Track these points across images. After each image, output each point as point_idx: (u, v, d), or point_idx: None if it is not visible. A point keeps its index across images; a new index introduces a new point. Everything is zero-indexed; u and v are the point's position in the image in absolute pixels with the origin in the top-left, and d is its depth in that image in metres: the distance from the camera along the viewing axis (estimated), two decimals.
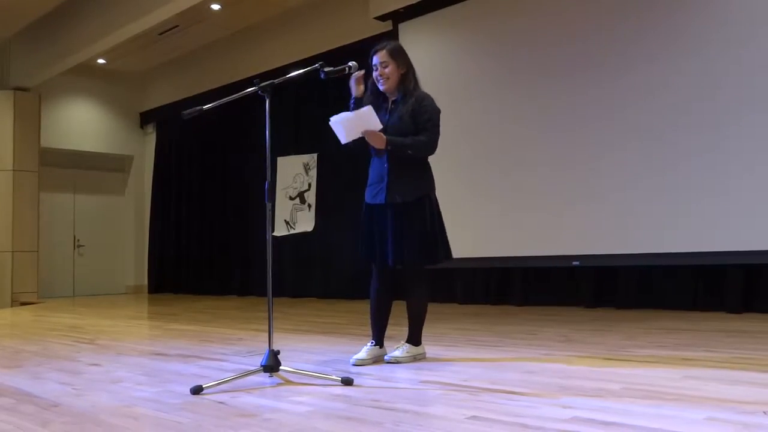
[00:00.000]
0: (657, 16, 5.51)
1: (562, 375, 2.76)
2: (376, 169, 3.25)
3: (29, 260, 9.83)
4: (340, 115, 3.12)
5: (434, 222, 3.22)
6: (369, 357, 3.21)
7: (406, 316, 3.31)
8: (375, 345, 3.27)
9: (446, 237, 3.29)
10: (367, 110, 3.07)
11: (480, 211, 6.50)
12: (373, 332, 3.31)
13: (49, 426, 2.16)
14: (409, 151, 3.17)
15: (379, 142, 3.10)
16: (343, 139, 3.15)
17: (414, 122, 3.18)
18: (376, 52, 3.25)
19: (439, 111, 3.27)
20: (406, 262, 3.17)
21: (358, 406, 2.30)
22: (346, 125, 3.11)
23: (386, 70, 3.21)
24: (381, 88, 3.24)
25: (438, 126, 3.24)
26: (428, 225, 3.18)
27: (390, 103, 3.29)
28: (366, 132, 3.08)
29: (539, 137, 6.14)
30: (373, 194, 3.25)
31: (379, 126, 3.09)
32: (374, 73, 3.24)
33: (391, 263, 3.20)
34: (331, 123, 3.13)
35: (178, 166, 11.17)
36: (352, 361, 3.20)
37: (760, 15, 4.97)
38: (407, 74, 3.25)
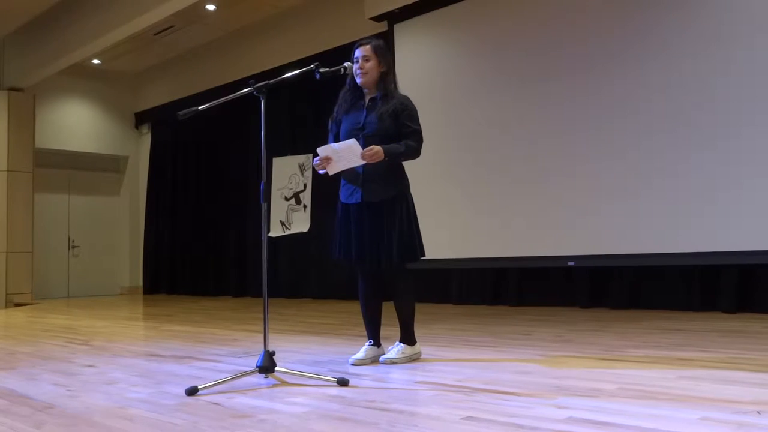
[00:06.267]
0: (656, 16, 5.52)
1: (557, 375, 2.76)
2: (351, 168, 3.25)
3: (23, 261, 9.79)
4: (324, 147, 3.10)
5: (411, 220, 3.22)
6: (367, 357, 3.21)
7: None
8: (372, 345, 3.28)
9: (420, 235, 3.28)
10: (353, 143, 3.05)
11: (475, 211, 6.51)
12: (368, 333, 3.32)
13: (44, 427, 2.16)
14: (402, 159, 3.19)
15: (377, 158, 3.06)
16: (329, 170, 3.14)
17: (395, 123, 3.18)
18: (359, 46, 3.28)
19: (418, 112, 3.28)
20: (385, 263, 3.17)
21: (354, 407, 2.30)
22: (333, 155, 3.09)
23: (367, 65, 3.22)
24: (359, 81, 3.25)
25: (421, 131, 3.24)
26: (405, 223, 3.19)
27: (367, 100, 3.29)
28: (365, 156, 3.04)
29: (535, 139, 6.15)
30: (348, 194, 3.25)
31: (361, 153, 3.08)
32: (354, 66, 3.25)
33: (370, 264, 3.20)
34: (318, 151, 3.11)
35: (173, 167, 11.15)
36: (350, 361, 3.20)
37: (761, 14, 4.99)
38: (387, 73, 3.26)
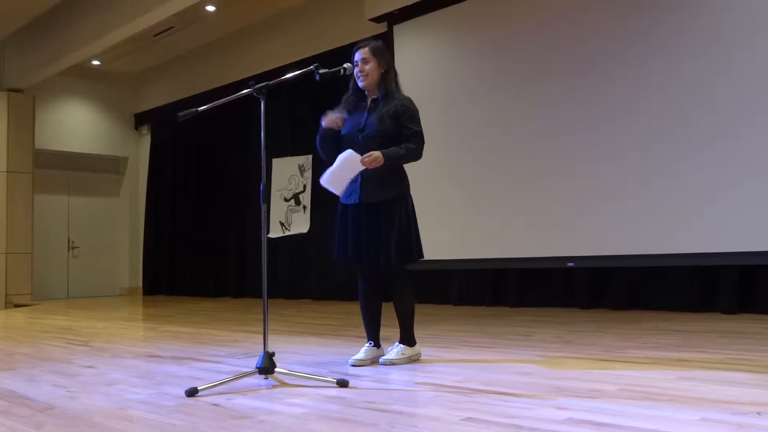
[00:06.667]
0: (656, 17, 5.52)
1: (557, 376, 2.76)
2: None
3: (23, 262, 9.79)
4: (327, 173, 3.10)
5: (410, 222, 3.22)
6: (367, 357, 3.21)
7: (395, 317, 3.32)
8: (372, 345, 3.28)
9: (419, 237, 3.28)
10: (351, 155, 3.06)
11: (475, 212, 6.51)
12: (367, 333, 3.32)
13: (43, 428, 2.16)
14: (402, 162, 3.19)
15: (378, 164, 3.05)
16: (339, 191, 3.15)
17: (396, 125, 3.18)
18: (358, 49, 3.29)
19: (419, 113, 3.27)
20: (383, 264, 3.17)
21: (353, 408, 2.30)
22: (337, 177, 3.09)
23: (366, 67, 3.23)
24: (360, 84, 3.26)
25: (423, 133, 3.23)
26: (404, 224, 3.19)
27: (369, 101, 3.29)
28: (365, 163, 3.04)
29: (534, 139, 6.15)
30: (348, 194, 3.25)
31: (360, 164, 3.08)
32: (355, 70, 3.25)
33: (368, 265, 3.20)
34: (323, 184, 3.10)
35: (173, 168, 11.15)
36: (350, 361, 3.20)
37: (761, 14, 4.99)
38: (388, 73, 3.26)
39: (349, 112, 3.31)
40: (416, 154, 3.20)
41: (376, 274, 3.27)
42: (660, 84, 5.43)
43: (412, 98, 3.30)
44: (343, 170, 3.08)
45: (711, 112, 5.17)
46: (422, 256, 3.28)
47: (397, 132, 3.18)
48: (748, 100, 4.99)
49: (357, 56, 3.26)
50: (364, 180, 3.18)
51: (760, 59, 4.95)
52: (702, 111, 5.21)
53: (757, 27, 4.98)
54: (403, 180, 3.28)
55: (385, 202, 3.18)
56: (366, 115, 3.24)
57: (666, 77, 5.41)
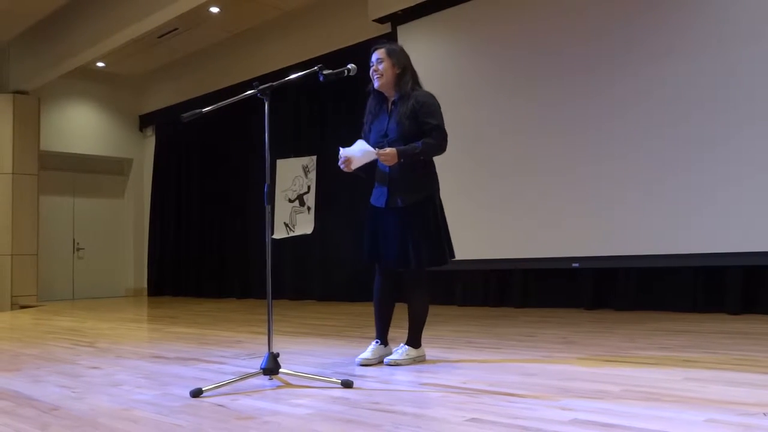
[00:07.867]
0: (657, 18, 5.51)
1: (562, 377, 2.75)
2: (380, 171, 3.26)
3: (29, 263, 9.82)
4: (349, 151, 3.14)
5: (438, 224, 3.23)
6: (374, 356, 3.21)
7: (407, 318, 3.32)
8: (380, 344, 3.27)
9: (450, 238, 3.29)
10: (367, 150, 3.11)
11: (480, 213, 6.50)
12: (377, 331, 3.32)
13: (49, 429, 2.16)
14: (422, 157, 3.19)
15: (391, 159, 3.10)
16: (353, 167, 3.19)
17: (415, 123, 3.18)
18: (375, 50, 3.32)
19: (440, 107, 3.27)
20: (408, 265, 3.17)
21: (358, 409, 2.30)
22: (356, 160, 3.15)
23: (380, 67, 3.25)
24: (375, 84, 3.29)
25: (444, 126, 3.23)
26: (432, 227, 3.19)
27: (390, 104, 3.30)
28: (379, 155, 3.09)
29: (538, 140, 6.15)
30: (377, 196, 3.28)
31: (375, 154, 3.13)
32: (370, 70, 3.27)
33: (394, 266, 3.21)
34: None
35: (177, 169, 11.17)
36: (357, 360, 3.21)
37: (761, 16, 4.98)
38: (403, 75, 3.26)
39: (372, 121, 3.32)
40: (436, 149, 3.20)
41: (398, 274, 3.27)
42: (662, 84, 5.42)
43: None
44: (363, 157, 3.14)
45: (714, 111, 5.16)
46: (453, 257, 3.28)
47: (419, 130, 3.18)
48: (750, 100, 4.98)
49: (373, 57, 3.29)
50: (393, 183, 3.20)
51: (762, 59, 4.94)
52: (705, 111, 5.20)
53: (757, 28, 4.97)
54: (432, 182, 3.29)
55: (413, 204, 3.18)
56: (387, 119, 3.27)
57: (668, 78, 5.40)
